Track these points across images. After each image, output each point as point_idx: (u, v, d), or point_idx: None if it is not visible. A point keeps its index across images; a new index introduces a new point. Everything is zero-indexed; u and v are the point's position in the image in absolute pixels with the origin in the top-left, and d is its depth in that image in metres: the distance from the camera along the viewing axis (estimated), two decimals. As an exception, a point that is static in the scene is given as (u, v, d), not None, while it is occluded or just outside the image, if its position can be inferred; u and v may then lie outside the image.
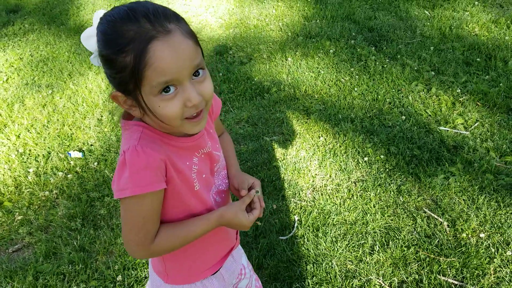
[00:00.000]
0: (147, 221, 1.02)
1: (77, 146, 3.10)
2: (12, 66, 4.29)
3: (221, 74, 3.80)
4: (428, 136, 2.87)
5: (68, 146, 3.11)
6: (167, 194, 1.04)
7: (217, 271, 1.29)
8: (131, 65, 0.87)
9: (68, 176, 2.82)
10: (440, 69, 3.54)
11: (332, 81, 3.55)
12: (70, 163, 2.93)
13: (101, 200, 2.63)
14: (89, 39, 0.96)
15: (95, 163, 2.90)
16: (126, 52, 0.87)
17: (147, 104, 0.92)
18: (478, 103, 3.14)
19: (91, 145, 3.10)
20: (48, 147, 3.10)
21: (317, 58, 3.86)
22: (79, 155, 2.98)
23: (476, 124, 2.95)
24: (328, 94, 3.40)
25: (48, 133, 3.24)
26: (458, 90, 3.25)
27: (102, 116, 3.41)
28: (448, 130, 2.91)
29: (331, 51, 3.93)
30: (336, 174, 2.68)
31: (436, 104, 3.16)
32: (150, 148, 0.97)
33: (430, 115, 3.06)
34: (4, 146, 3.15)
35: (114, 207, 2.58)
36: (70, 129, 3.27)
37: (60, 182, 2.78)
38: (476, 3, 4.48)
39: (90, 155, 3.00)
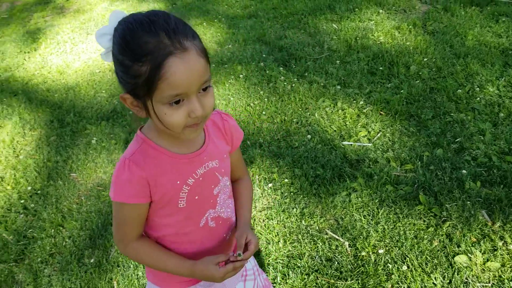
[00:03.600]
0: (125, 225, 1.17)
1: (-24, 210, 2.94)
2: None
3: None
4: (332, 153, 2.87)
5: (-34, 211, 2.94)
6: (154, 205, 1.16)
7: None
8: (146, 75, 0.95)
9: (-36, 245, 2.66)
10: (345, 82, 3.58)
11: (242, 106, 3.53)
12: (-33, 230, 2.76)
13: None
14: (103, 36, 1.02)
15: (-7, 227, 2.75)
16: (142, 62, 0.94)
17: (155, 110, 1.00)
18: (381, 112, 3.18)
19: (-9, 207, 2.94)
20: None
21: (228, 85, 3.83)
22: (-23, 220, 2.82)
23: (379, 134, 2.97)
24: (238, 121, 3.37)
25: None
26: (362, 102, 3.29)
27: (6, 173, 3.25)
28: (351, 144, 2.92)
29: (241, 75, 3.92)
30: (242, 205, 2.62)
31: (342, 119, 3.18)
32: (136, 165, 1.08)
33: (335, 131, 3.07)
34: None
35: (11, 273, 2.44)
36: (-30, 192, 3.10)
37: (-45, 253, 2.62)
38: (381, 11, 4.59)
39: (-11, 218, 2.84)
